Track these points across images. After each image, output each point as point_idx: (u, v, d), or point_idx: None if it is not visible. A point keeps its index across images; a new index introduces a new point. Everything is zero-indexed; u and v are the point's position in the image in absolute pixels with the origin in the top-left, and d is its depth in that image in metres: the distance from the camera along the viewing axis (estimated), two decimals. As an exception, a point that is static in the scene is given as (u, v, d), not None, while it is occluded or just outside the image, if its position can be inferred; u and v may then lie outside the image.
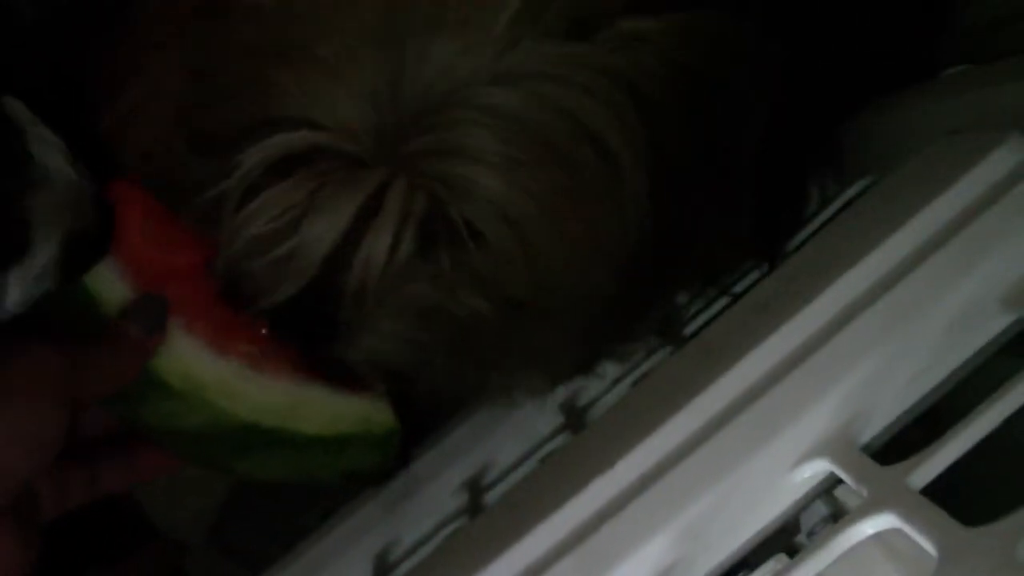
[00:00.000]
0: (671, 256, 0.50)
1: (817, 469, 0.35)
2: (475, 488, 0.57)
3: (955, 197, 0.37)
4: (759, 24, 0.49)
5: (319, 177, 0.44)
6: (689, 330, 0.55)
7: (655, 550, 0.35)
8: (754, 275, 0.55)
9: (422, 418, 0.58)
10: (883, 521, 0.30)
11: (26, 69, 0.52)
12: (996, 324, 0.36)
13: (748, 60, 0.49)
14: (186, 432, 0.47)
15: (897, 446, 0.36)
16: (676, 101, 0.46)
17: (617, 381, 0.54)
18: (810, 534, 0.40)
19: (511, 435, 0.57)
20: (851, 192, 0.53)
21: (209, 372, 0.46)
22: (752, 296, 0.42)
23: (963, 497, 0.32)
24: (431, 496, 0.57)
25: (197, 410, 0.46)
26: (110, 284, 0.46)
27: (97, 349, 0.43)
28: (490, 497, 0.56)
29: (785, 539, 0.39)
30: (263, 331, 0.48)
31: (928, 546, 0.28)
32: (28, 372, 0.39)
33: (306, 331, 0.47)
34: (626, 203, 0.46)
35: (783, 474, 0.35)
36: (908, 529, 0.29)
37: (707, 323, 0.55)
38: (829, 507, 0.40)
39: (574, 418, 0.55)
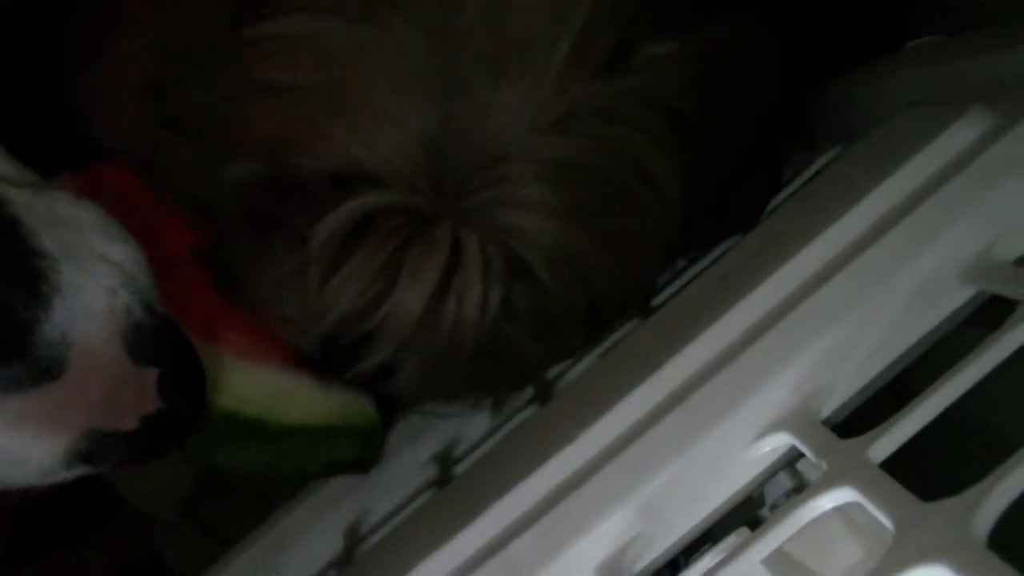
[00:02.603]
0: (691, 237, 0.51)
1: (778, 442, 0.35)
2: (445, 461, 0.56)
3: (916, 170, 0.37)
4: (770, 24, 0.49)
5: (392, 238, 0.43)
6: (657, 302, 0.55)
7: (616, 524, 0.35)
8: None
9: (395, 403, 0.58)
10: (842, 495, 0.30)
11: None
12: (957, 297, 0.36)
13: (763, 61, 0.49)
14: None
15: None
16: (706, 112, 0.46)
17: (584, 353, 0.54)
18: (773, 508, 0.40)
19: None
20: (821, 162, 0.53)
21: None
22: (715, 269, 0.42)
23: (932, 476, 0.32)
24: (401, 468, 0.57)
25: None
26: None
27: None
28: (459, 470, 0.56)
29: (749, 513, 0.40)
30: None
31: (885, 520, 0.28)
32: None
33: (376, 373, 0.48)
34: (666, 218, 0.47)
35: (744, 447, 0.35)
36: (866, 503, 0.29)
37: (675, 295, 0.54)
38: (793, 481, 0.40)
39: (543, 391, 0.55)
